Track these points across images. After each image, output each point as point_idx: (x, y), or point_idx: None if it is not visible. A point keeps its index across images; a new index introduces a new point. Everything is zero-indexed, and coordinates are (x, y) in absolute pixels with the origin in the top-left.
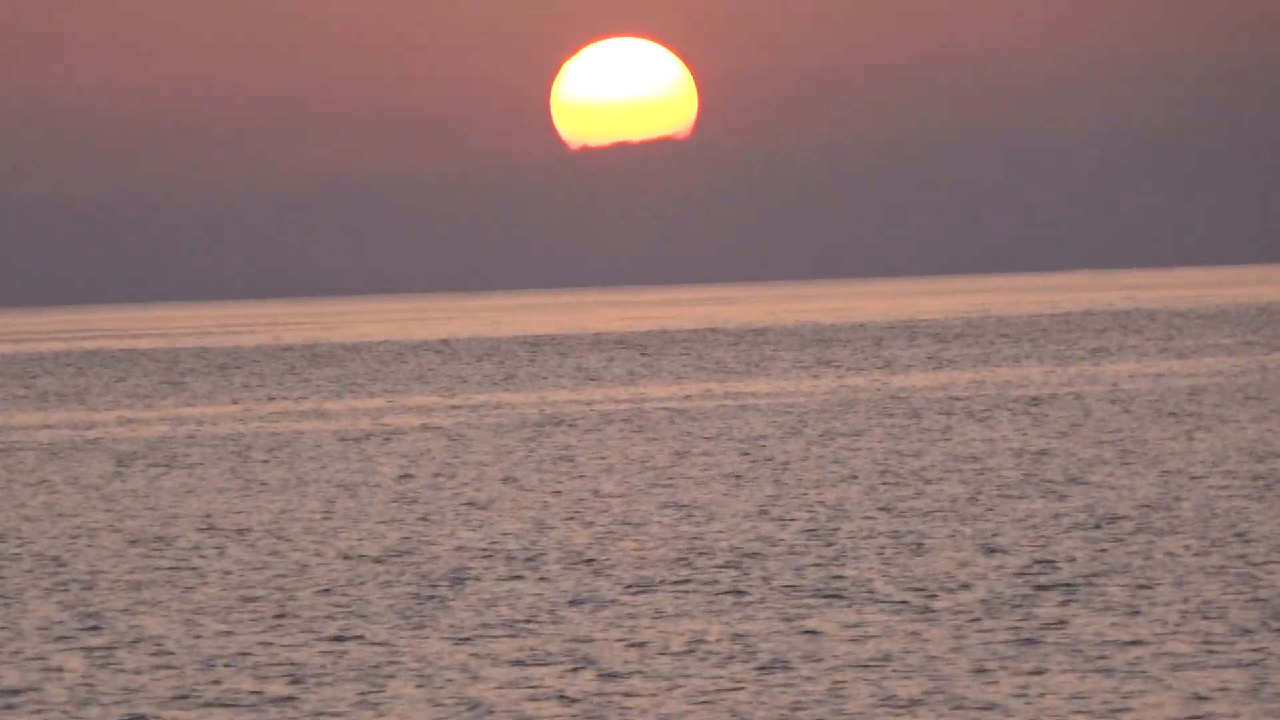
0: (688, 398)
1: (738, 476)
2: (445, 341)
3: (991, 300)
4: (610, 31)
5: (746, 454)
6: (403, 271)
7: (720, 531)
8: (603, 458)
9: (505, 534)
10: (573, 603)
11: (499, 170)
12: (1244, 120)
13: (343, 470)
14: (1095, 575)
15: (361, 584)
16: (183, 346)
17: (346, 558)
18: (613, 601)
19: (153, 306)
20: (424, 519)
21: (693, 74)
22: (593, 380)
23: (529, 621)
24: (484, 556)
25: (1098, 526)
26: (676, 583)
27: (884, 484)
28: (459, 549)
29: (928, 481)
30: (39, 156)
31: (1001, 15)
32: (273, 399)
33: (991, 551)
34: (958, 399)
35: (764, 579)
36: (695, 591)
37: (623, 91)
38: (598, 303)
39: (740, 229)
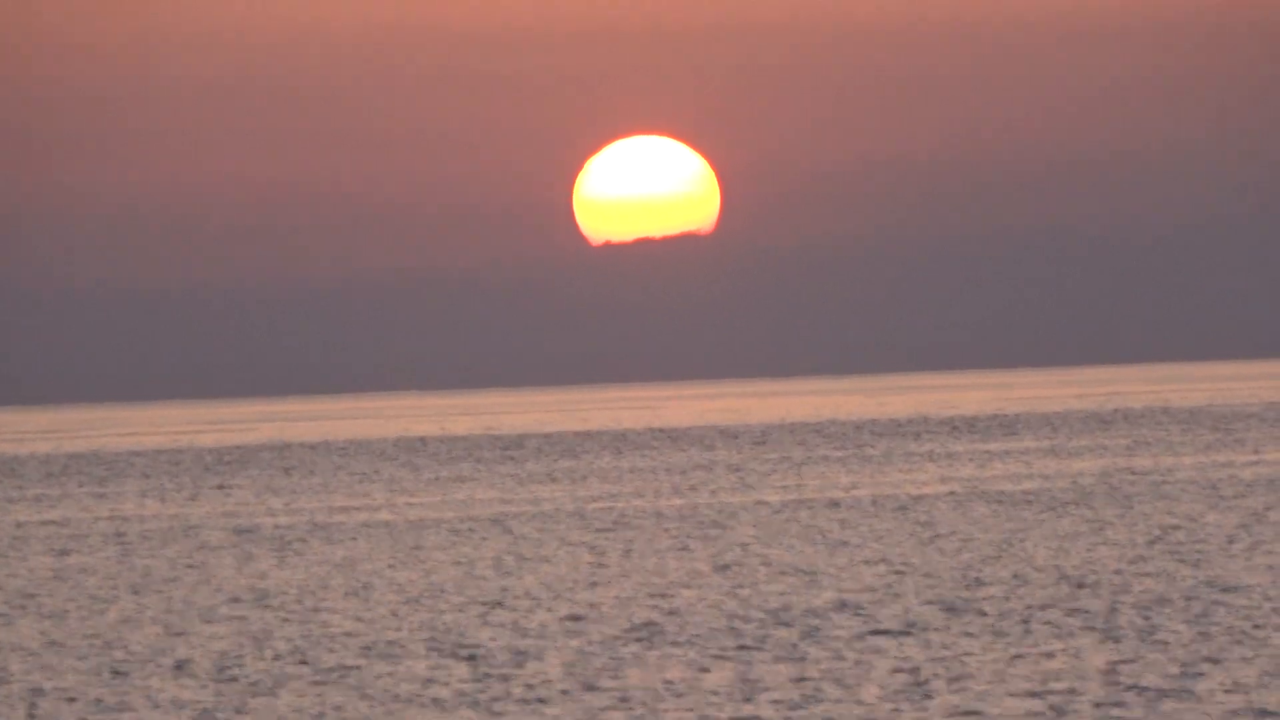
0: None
1: None
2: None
3: (1034, 394)
4: (632, 130)
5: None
6: (421, 367)
7: None
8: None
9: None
10: None
11: (521, 266)
12: (1268, 210)
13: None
14: None
15: None
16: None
17: None
18: None
19: (162, 403)
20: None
21: (714, 170)
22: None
23: None
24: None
25: None
26: None
27: None
28: None
29: None
30: (57, 249)
31: (1030, 105)
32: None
33: None
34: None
35: None
36: None
37: (645, 188)
38: (633, 399)
39: (766, 323)
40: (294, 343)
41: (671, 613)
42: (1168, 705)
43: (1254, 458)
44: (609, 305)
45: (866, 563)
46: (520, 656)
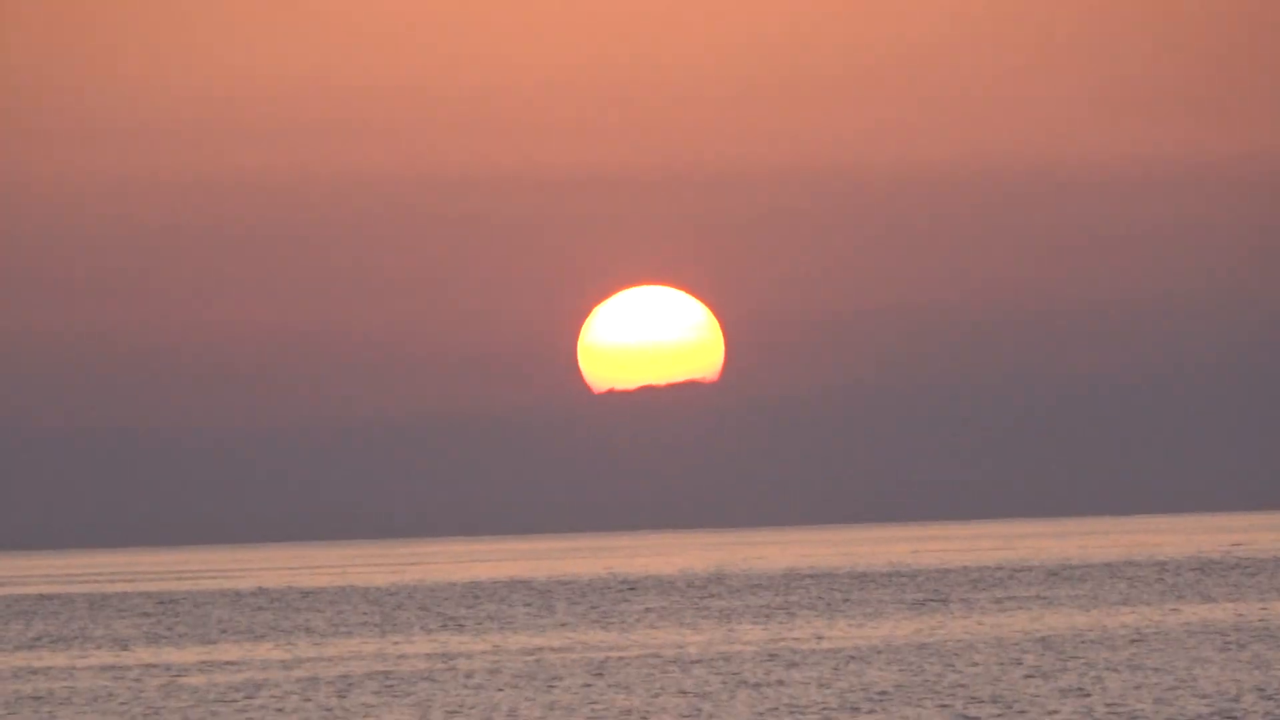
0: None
1: None
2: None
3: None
4: (634, 280)
5: None
6: (421, 514)
7: None
8: None
9: None
10: None
11: (523, 413)
12: (1256, 360)
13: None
14: None
15: None
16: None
17: None
18: None
19: (174, 548)
20: None
21: (718, 319)
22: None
23: None
24: None
25: None
26: None
27: None
28: None
29: None
30: (63, 392)
31: (1036, 254)
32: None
33: None
34: None
35: None
36: None
37: (649, 336)
38: (640, 546)
39: (771, 472)
40: (290, 488)
41: None
42: None
43: None
44: (611, 453)
45: None
46: None
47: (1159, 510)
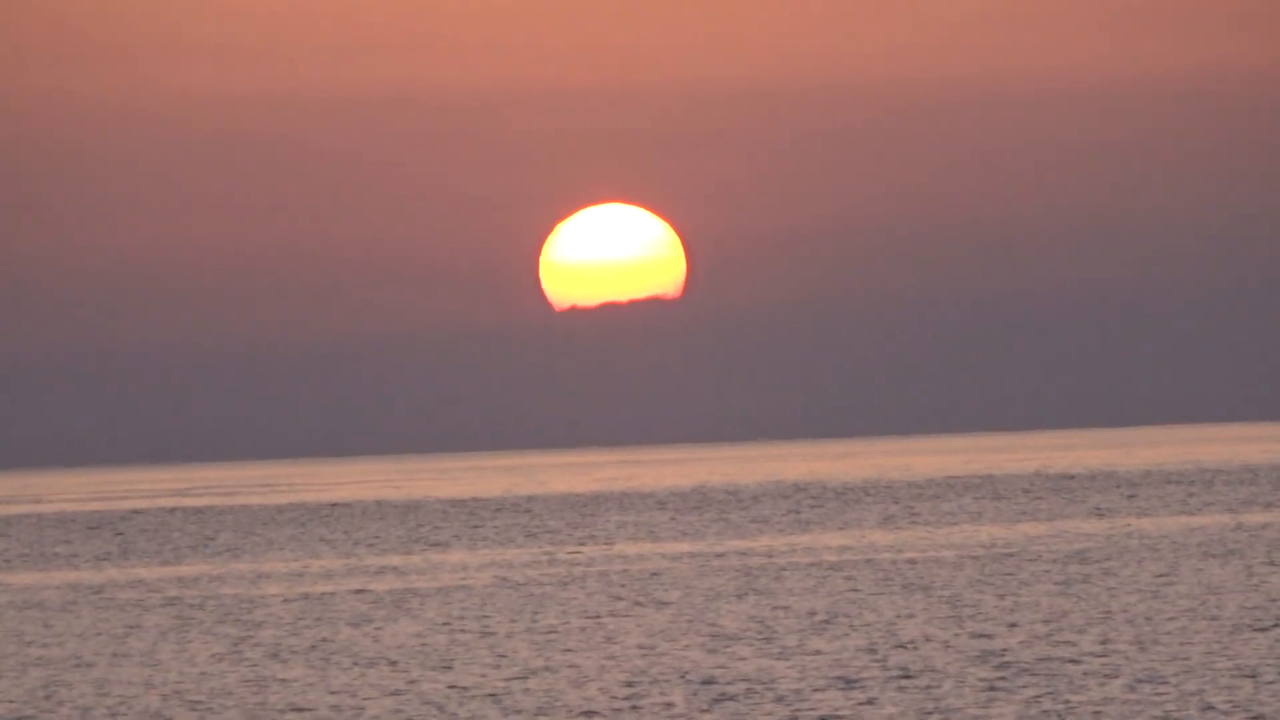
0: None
1: None
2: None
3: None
4: (593, 198)
5: None
6: (385, 431)
7: None
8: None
9: None
10: None
11: (485, 330)
12: (1240, 275)
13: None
14: None
15: None
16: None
17: None
18: None
19: (141, 466)
20: None
21: (679, 235)
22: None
23: None
24: None
25: None
26: None
27: None
28: None
29: None
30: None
31: (994, 174)
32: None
33: None
34: None
35: None
36: None
37: (611, 253)
38: (607, 462)
39: (733, 387)
40: (256, 405)
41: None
42: None
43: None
44: (574, 369)
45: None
46: None
47: (1145, 422)
